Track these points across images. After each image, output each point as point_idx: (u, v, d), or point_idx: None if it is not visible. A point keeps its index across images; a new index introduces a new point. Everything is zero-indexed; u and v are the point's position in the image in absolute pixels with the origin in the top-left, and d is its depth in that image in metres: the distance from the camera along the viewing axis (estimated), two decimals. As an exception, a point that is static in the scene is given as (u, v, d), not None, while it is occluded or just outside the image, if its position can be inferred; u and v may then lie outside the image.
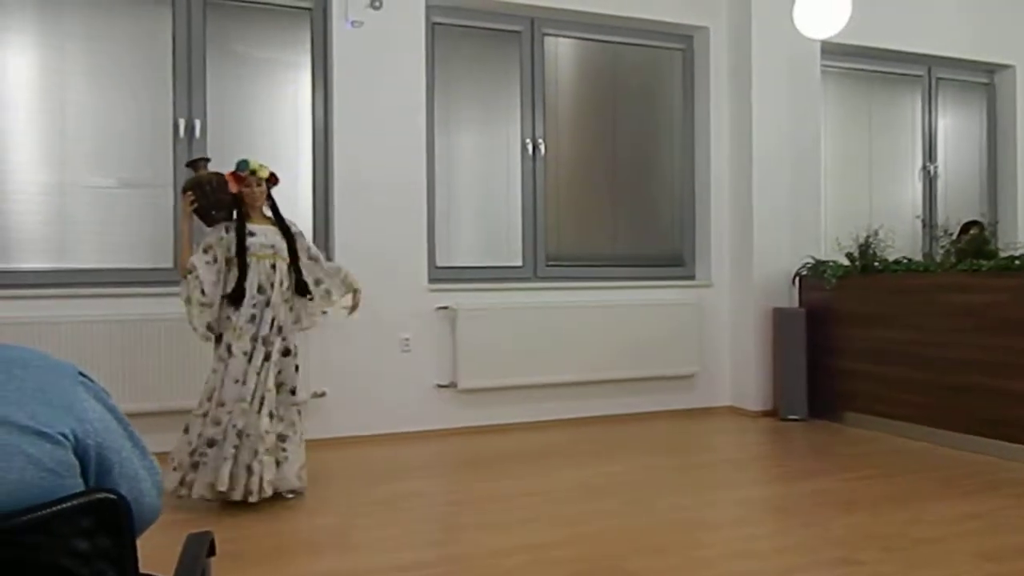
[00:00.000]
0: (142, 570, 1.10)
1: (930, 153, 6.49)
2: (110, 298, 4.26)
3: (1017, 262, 4.24)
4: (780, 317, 5.37)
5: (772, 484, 4.01)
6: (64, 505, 0.99)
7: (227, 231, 3.51)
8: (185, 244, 3.52)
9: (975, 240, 4.80)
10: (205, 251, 3.48)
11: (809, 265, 5.43)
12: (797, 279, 5.50)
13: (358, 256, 4.73)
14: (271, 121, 4.75)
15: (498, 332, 5.00)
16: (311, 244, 3.79)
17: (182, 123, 4.51)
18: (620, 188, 5.63)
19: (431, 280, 4.96)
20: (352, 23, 4.70)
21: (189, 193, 3.53)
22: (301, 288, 3.58)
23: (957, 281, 4.51)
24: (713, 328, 5.65)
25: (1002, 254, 4.57)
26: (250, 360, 3.38)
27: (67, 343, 4.08)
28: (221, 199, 3.53)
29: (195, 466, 3.35)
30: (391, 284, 4.74)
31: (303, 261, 3.62)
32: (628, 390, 5.39)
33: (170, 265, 4.49)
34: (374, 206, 4.75)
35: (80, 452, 1.03)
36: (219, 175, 3.56)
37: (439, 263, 5.08)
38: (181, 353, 4.31)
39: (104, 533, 1.02)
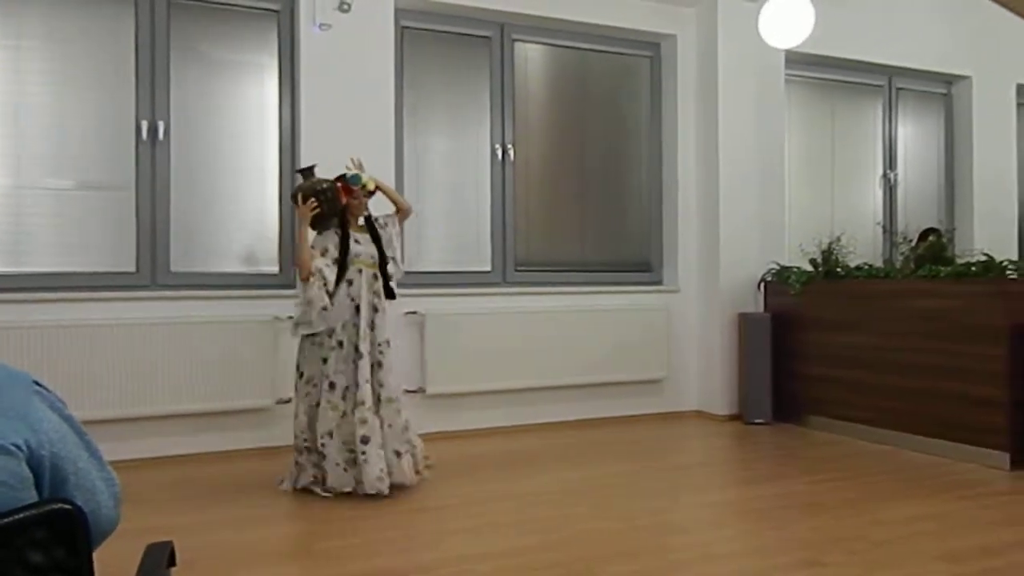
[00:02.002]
0: (100, 582, 1.07)
1: (890, 161, 6.62)
2: (68, 303, 4.17)
3: (973, 268, 4.35)
4: (746, 322, 5.44)
5: (739, 487, 4.05)
6: (18, 516, 0.97)
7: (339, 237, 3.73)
8: (306, 246, 3.66)
9: (933, 247, 4.90)
10: (323, 254, 3.68)
11: (774, 271, 5.51)
12: (762, 284, 5.58)
13: (325, 261, 4.69)
14: (237, 124, 4.69)
15: (467, 337, 4.99)
16: (398, 230, 3.96)
17: (145, 125, 4.43)
18: (589, 193, 5.66)
19: (399, 285, 4.91)
20: (320, 26, 4.66)
21: (312, 200, 3.65)
22: (389, 293, 3.85)
23: (916, 287, 4.60)
24: (680, 333, 5.69)
25: (959, 261, 4.68)
26: (379, 366, 3.69)
27: (24, 349, 3.98)
28: (336, 206, 3.71)
29: (353, 463, 3.58)
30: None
31: (393, 246, 3.89)
32: (596, 395, 5.41)
33: (132, 269, 4.41)
34: (341, 210, 4.70)
35: (34, 463, 1.00)
36: (332, 183, 3.73)
37: (407, 268, 5.05)
38: (142, 359, 4.23)
39: (59, 545, 1.00)
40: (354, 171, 3.79)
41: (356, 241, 3.75)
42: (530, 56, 5.48)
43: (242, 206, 4.70)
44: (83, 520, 1.01)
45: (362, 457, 3.55)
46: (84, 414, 3.92)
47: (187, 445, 4.35)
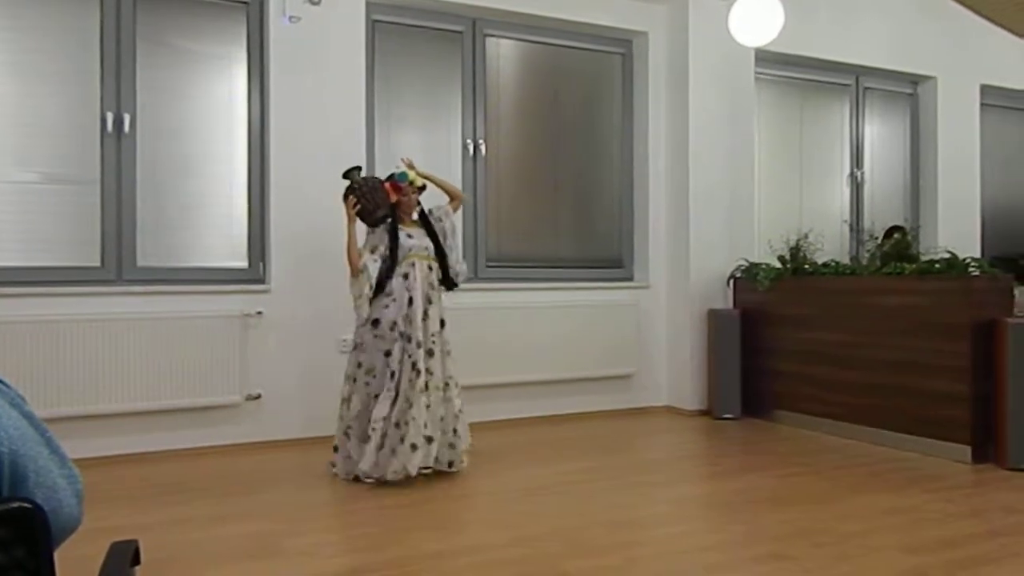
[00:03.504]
0: (62, 582, 1.05)
1: (857, 159, 6.72)
2: (32, 298, 4.08)
3: (937, 266, 4.43)
4: (715, 318, 5.49)
5: (707, 482, 4.09)
6: (-24, 516, 0.94)
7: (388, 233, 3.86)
8: (352, 245, 3.82)
9: (898, 244, 4.98)
10: (372, 251, 3.86)
11: (743, 267, 5.57)
12: (732, 281, 5.63)
13: (295, 256, 4.65)
14: (205, 117, 4.63)
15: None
16: (453, 222, 4.04)
17: (110, 117, 4.35)
18: (560, 189, 5.67)
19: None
20: (290, 19, 4.61)
21: (351, 198, 3.82)
22: (449, 283, 3.97)
23: (881, 284, 4.68)
24: (650, 329, 5.73)
25: (923, 258, 4.76)
26: (430, 354, 3.79)
27: (-16, 345, 3.89)
28: (378, 199, 3.83)
29: (392, 449, 3.70)
30: (329, 285, 4.65)
31: (449, 243, 3.97)
32: (566, 390, 5.43)
33: (97, 264, 4.33)
34: (312, 205, 4.66)
35: (-8, 461, 0.98)
36: (374, 177, 3.92)
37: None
38: (107, 355, 4.16)
39: (20, 545, 0.97)
40: (402, 169, 3.90)
41: (408, 235, 3.86)
42: (502, 52, 5.48)
43: (210, 200, 4.64)
44: (43, 519, 0.99)
45: (394, 440, 3.68)
46: (47, 411, 3.85)
47: (154, 442, 4.29)
